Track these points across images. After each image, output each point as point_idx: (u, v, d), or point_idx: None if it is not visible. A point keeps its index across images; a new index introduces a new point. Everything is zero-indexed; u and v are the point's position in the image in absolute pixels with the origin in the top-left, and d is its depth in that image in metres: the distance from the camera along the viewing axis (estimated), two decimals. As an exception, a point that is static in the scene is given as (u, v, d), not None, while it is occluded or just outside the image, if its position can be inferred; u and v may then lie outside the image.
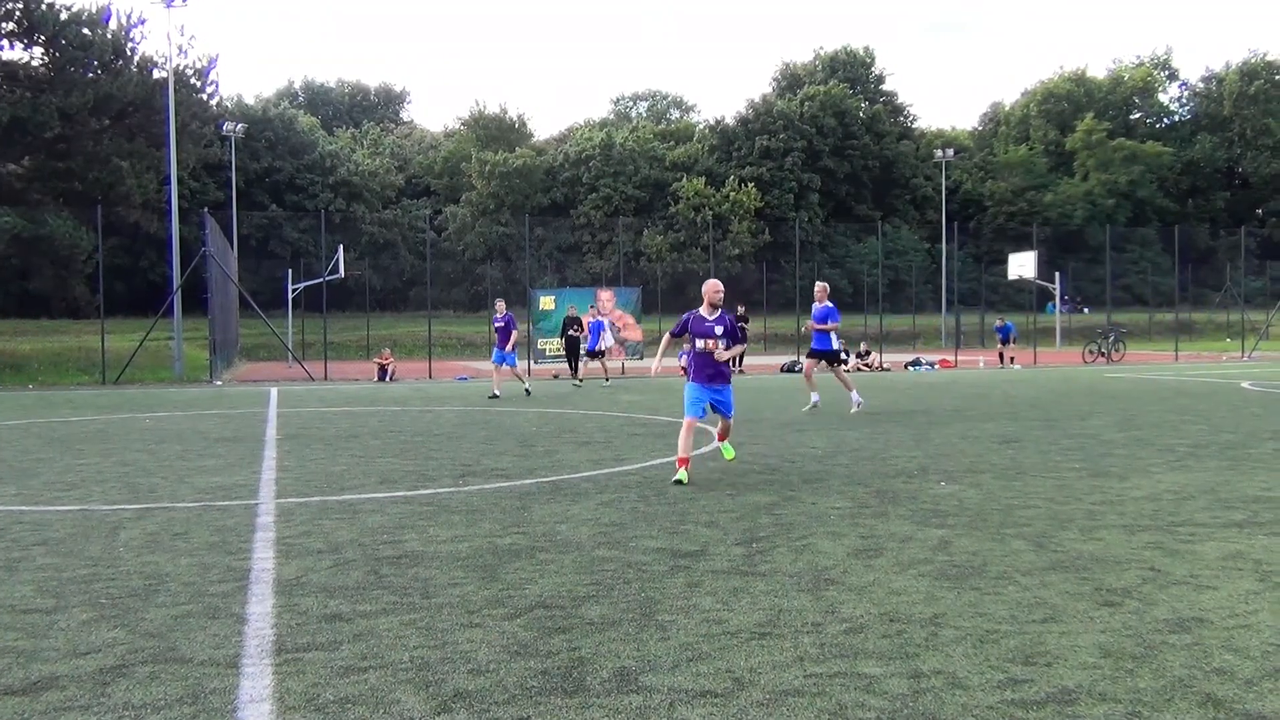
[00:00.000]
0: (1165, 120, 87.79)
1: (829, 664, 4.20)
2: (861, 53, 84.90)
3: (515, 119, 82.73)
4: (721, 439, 10.04)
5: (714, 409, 9.37)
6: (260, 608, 5.13)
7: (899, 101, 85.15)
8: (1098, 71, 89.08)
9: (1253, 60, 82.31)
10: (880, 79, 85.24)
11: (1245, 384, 22.03)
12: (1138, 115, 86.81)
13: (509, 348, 19.89)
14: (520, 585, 5.50)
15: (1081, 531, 6.77)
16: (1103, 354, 35.11)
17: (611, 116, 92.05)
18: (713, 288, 9.30)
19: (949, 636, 4.55)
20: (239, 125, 51.71)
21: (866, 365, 31.15)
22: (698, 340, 9.19)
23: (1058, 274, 49.51)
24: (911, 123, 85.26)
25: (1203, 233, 69.81)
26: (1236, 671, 4.08)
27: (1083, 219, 72.88)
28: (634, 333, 31.27)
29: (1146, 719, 3.61)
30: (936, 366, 32.31)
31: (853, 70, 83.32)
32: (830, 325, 16.13)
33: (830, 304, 16.22)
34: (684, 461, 8.91)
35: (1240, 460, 10.15)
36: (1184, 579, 5.51)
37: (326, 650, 4.45)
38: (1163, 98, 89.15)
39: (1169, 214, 74.82)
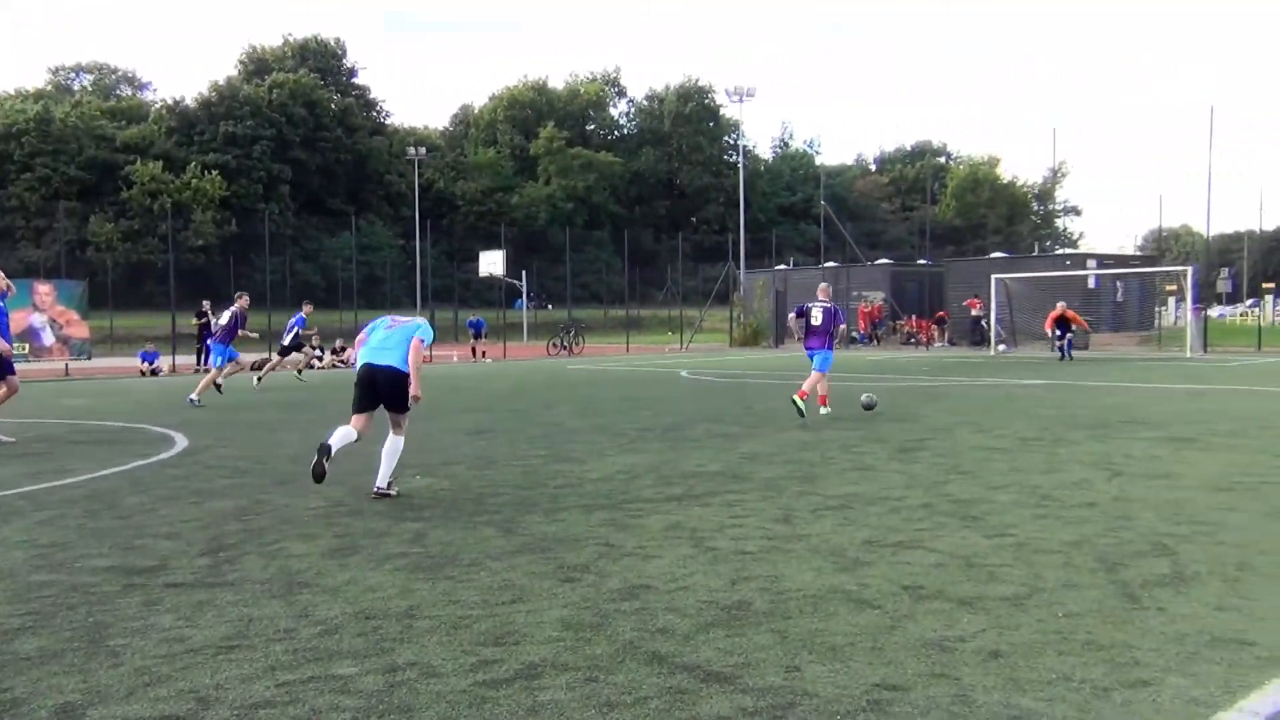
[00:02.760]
0: (616, 133, 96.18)
1: (302, 670, 4.09)
2: (333, 44, 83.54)
3: (-77, 81, 71.01)
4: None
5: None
6: None
7: (371, 97, 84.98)
8: (557, 83, 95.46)
9: (687, 84, 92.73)
10: (352, 72, 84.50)
11: (683, 373, 24.77)
12: (592, 126, 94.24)
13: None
14: (-67, 624, 4.73)
15: (545, 514, 7.21)
16: (564, 347, 37.65)
17: (49, 88, 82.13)
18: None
19: (423, 627, 4.63)
20: None
21: (342, 361, 30.74)
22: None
23: (524, 272, 52.31)
24: (384, 119, 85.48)
25: (648, 237, 77.27)
26: (676, 629, 4.56)
27: (545, 221, 77.69)
28: (79, 329, 28.16)
29: (602, 682, 3.92)
30: (412, 362, 32.64)
31: (324, 60, 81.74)
32: None
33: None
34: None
35: (679, 441, 11.39)
36: (633, 551, 6.07)
37: None
38: (613, 112, 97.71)
39: (620, 219, 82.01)
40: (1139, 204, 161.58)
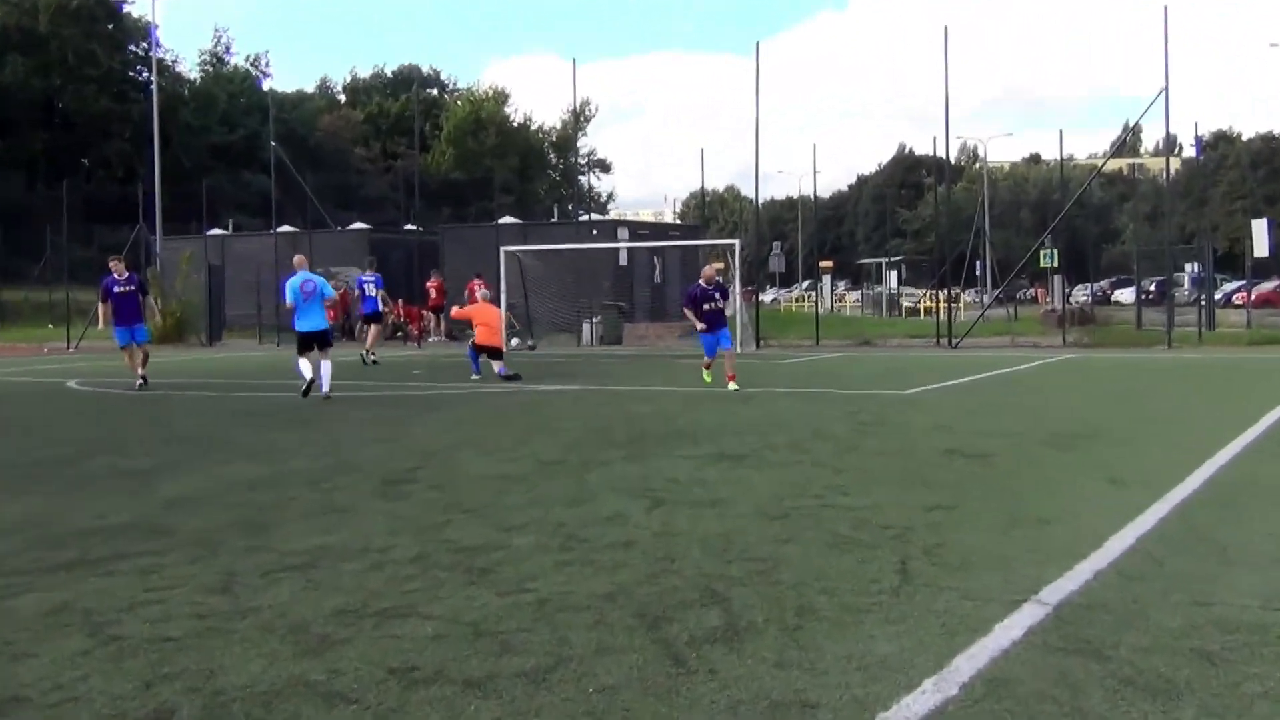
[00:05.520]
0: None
1: None
2: None
3: None
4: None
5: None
6: None
7: None
8: None
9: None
10: None
11: (72, 383, 23.38)
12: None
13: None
14: None
15: None
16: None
17: None
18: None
19: None
20: None
21: None
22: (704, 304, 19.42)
23: None
24: None
25: (18, 183, 71.95)
26: (64, 761, 4.29)
27: None
28: None
29: None
30: None
31: None
32: None
33: None
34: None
35: (71, 482, 10.75)
36: (-4, 649, 5.63)
37: None
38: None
39: (-29, 156, 75.76)
40: (678, 160, 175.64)
